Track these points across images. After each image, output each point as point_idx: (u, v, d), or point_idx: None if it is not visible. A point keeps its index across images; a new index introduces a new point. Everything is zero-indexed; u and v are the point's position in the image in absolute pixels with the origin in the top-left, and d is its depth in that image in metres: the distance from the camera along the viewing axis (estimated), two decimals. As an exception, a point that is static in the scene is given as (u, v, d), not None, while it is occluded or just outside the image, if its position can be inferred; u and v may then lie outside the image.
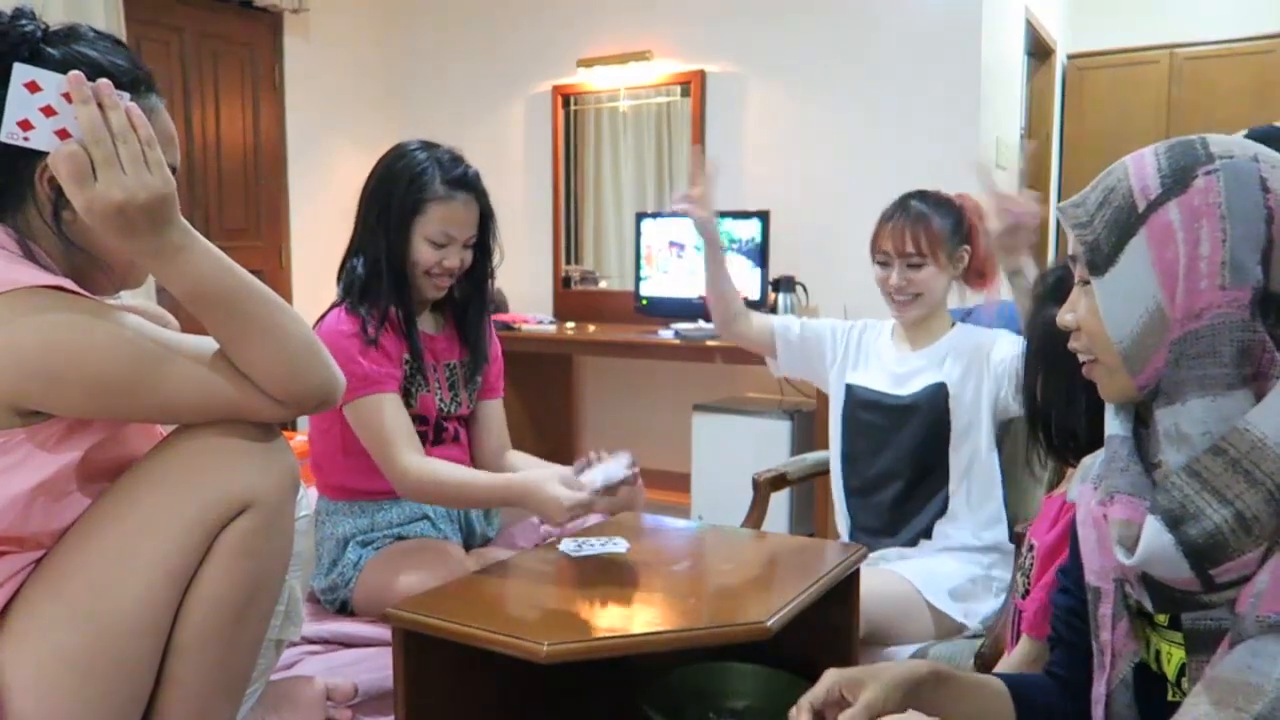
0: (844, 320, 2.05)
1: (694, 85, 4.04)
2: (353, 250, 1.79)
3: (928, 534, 1.82)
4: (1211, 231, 0.81)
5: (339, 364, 1.17)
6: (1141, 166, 0.86)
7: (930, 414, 1.81)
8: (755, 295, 3.63)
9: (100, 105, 0.98)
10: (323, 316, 1.78)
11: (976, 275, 1.85)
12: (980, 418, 1.81)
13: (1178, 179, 0.83)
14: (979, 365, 1.81)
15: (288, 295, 4.21)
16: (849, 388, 1.94)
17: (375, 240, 1.74)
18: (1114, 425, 0.92)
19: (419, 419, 1.80)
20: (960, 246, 1.81)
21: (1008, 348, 1.78)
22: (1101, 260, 0.86)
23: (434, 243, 1.73)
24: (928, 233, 1.78)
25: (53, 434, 1.04)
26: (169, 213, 1.02)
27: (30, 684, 1.01)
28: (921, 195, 1.85)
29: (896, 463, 1.83)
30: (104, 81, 0.99)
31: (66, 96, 0.98)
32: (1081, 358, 0.93)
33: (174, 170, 1.12)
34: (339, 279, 1.81)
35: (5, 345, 0.98)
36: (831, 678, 0.92)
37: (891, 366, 1.90)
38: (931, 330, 1.89)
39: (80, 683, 1.02)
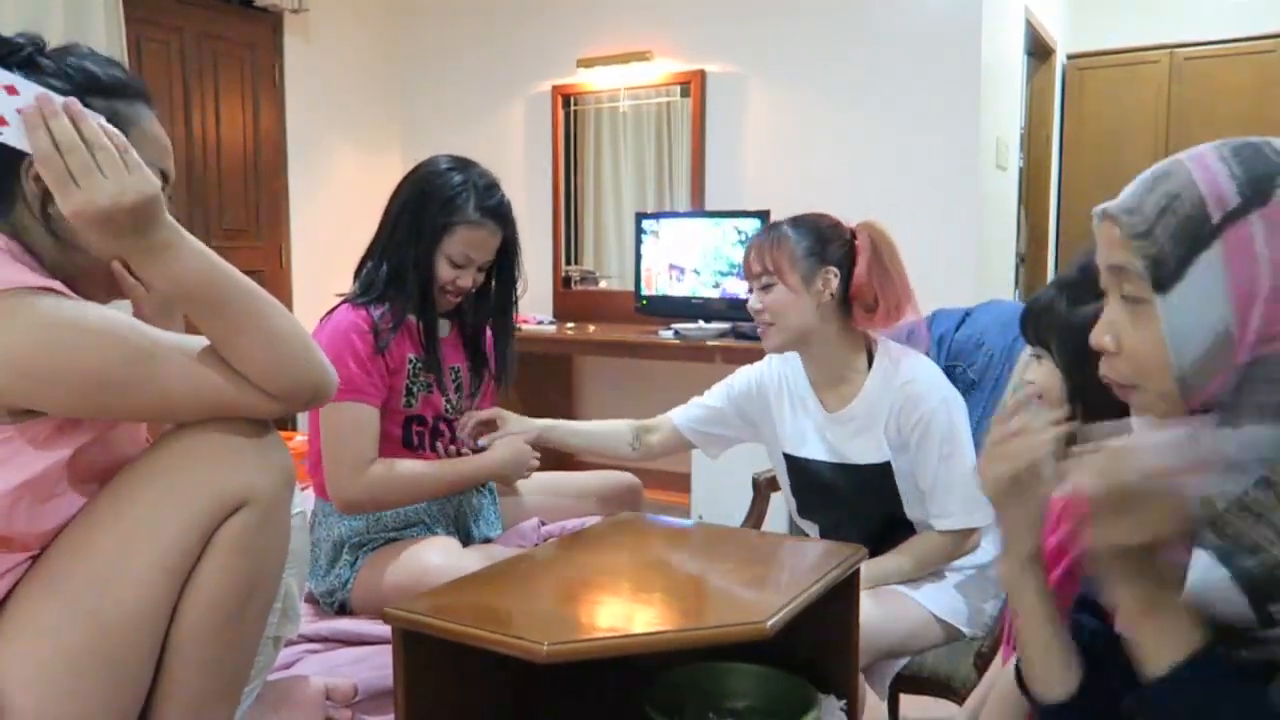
0: (741, 376, 1.86)
1: (694, 85, 4.04)
2: (374, 254, 1.81)
3: None
4: None
5: (331, 360, 1.17)
6: (1209, 172, 0.78)
7: (875, 491, 1.69)
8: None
9: (72, 121, 0.99)
10: (330, 312, 1.78)
11: (862, 308, 1.63)
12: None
13: (1257, 188, 0.76)
14: (912, 438, 1.64)
15: (288, 295, 4.21)
16: (788, 457, 1.79)
17: (403, 250, 1.76)
18: None
19: (417, 419, 1.81)
20: (821, 268, 1.62)
21: (935, 456, 1.62)
22: (1167, 276, 0.78)
23: (453, 262, 1.77)
24: (774, 250, 1.63)
25: (41, 431, 1.04)
26: (155, 212, 1.03)
27: (29, 683, 1.01)
28: (799, 216, 1.69)
29: (855, 533, 1.65)
30: (70, 99, 1.00)
31: (39, 108, 0.99)
32: (1117, 383, 0.85)
33: (166, 180, 1.12)
34: (355, 277, 1.83)
35: None
36: None
37: (823, 427, 1.73)
38: (841, 374, 1.70)
39: (78, 681, 1.02)
